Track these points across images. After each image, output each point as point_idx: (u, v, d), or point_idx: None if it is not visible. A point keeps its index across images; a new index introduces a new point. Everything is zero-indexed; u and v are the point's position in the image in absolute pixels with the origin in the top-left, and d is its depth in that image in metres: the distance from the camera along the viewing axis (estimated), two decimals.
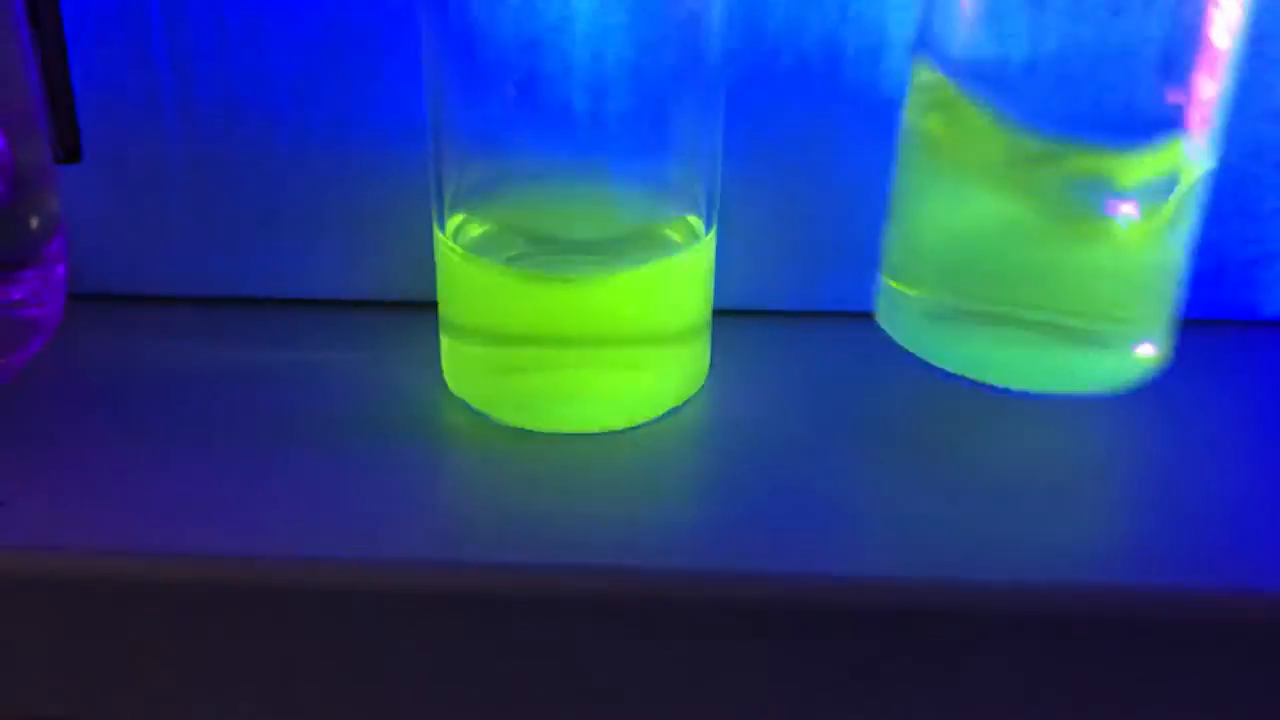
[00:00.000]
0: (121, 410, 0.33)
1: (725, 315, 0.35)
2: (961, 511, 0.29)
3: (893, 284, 0.32)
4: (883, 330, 0.33)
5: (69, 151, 0.34)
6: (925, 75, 0.30)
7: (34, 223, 0.33)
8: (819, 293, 0.36)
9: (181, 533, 0.28)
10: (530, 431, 0.31)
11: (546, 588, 0.28)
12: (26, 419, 0.32)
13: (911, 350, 0.32)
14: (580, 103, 0.30)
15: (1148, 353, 0.31)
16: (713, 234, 0.32)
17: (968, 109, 0.29)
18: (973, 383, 0.31)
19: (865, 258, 0.34)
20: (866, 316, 0.33)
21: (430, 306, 0.33)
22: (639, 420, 0.32)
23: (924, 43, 0.30)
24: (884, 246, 0.33)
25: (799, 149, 0.34)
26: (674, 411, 0.32)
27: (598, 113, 0.30)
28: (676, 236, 0.32)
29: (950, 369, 0.31)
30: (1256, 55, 0.33)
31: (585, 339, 0.31)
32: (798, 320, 0.36)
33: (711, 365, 0.33)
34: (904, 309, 0.32)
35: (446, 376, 0.33)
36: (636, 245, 0.31)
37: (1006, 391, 0.31)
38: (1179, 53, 0.29)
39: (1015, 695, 0.28)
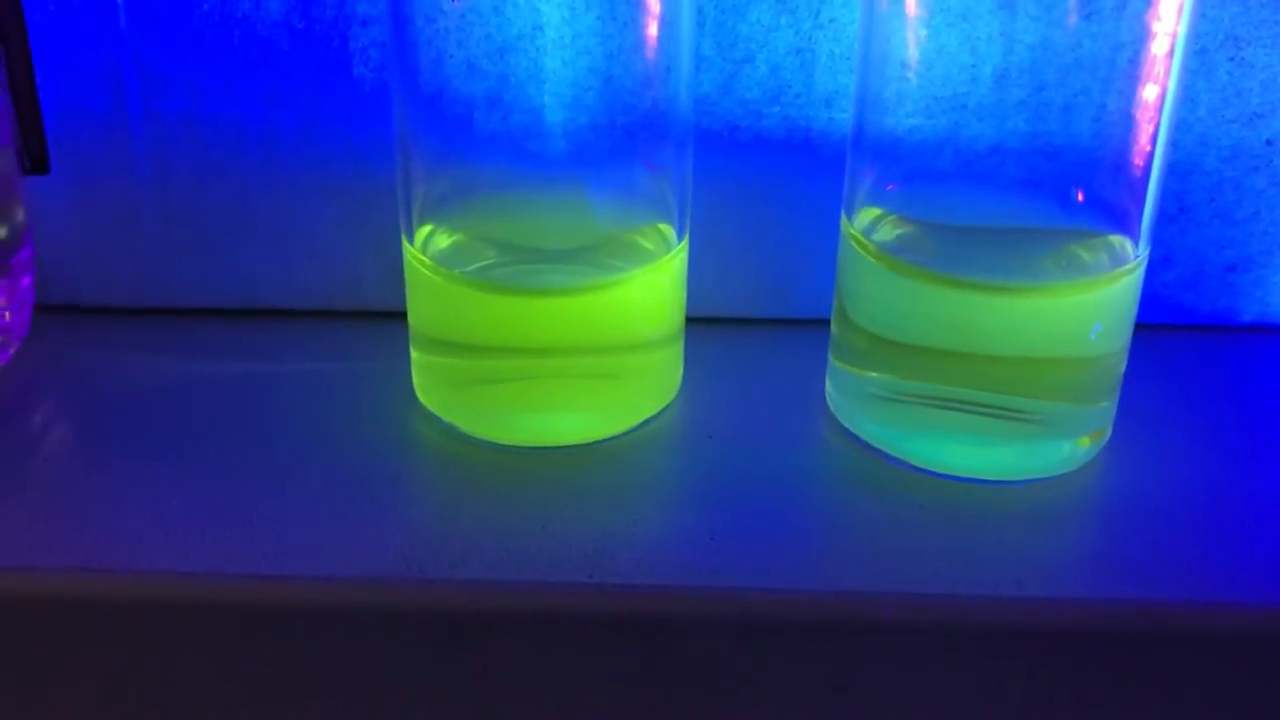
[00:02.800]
0: (88, 423, 0.32)
1: (698, 323, 0.34)
2: (938, 524, 0.29)
3: (838, 364, 0.32)
4: None
5: (36, 163, 0.34)
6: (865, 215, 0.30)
7: (1, 234, 0.32)
8: (792, 301, 0.36)
9: (148, 549, 0.28)
10: (501, 444, 0.31)
11: (519, 604, 0.27)
12: None
13: (856, 433, 0.31)
14: (550, 111, 0.30)
15: (1093, 438, 0.31)
16: (685, 242, 0.32)
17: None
18: None
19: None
20: None
21: (401, 317, 0.33)
22: (612, 431, 0.32)
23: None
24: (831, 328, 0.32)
25: (771, 156, 0.34)
26: (647, 422, 0.32)
27: (568, 121, 0.30)
28: (648, 245, 0.31)
29: (898, 456, 0.31)
30: (1232, 60, 0.33)
31: (556, 350, 0.31)
32: (771, 328, 0.36)
33: (685, 374, 0.33)
34: (848, 390, 0.32)
35: (417, 388, 0.32)
36: (608, 254, 0.31)
37: None
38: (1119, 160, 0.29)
39: (994, 711, 0.28)
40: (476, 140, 0.30)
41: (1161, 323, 0.36)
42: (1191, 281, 0.36)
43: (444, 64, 0.29)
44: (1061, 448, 0.30)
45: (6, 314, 0.33)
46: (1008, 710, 0.28)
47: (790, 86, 0.33)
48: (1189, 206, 0.35)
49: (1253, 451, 0.32)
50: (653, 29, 0.29)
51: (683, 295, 0.32)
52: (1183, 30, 0.27)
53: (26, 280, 0.34)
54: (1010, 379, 0.29)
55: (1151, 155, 0.28)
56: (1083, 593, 0.28)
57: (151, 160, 0.35)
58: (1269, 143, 0.34)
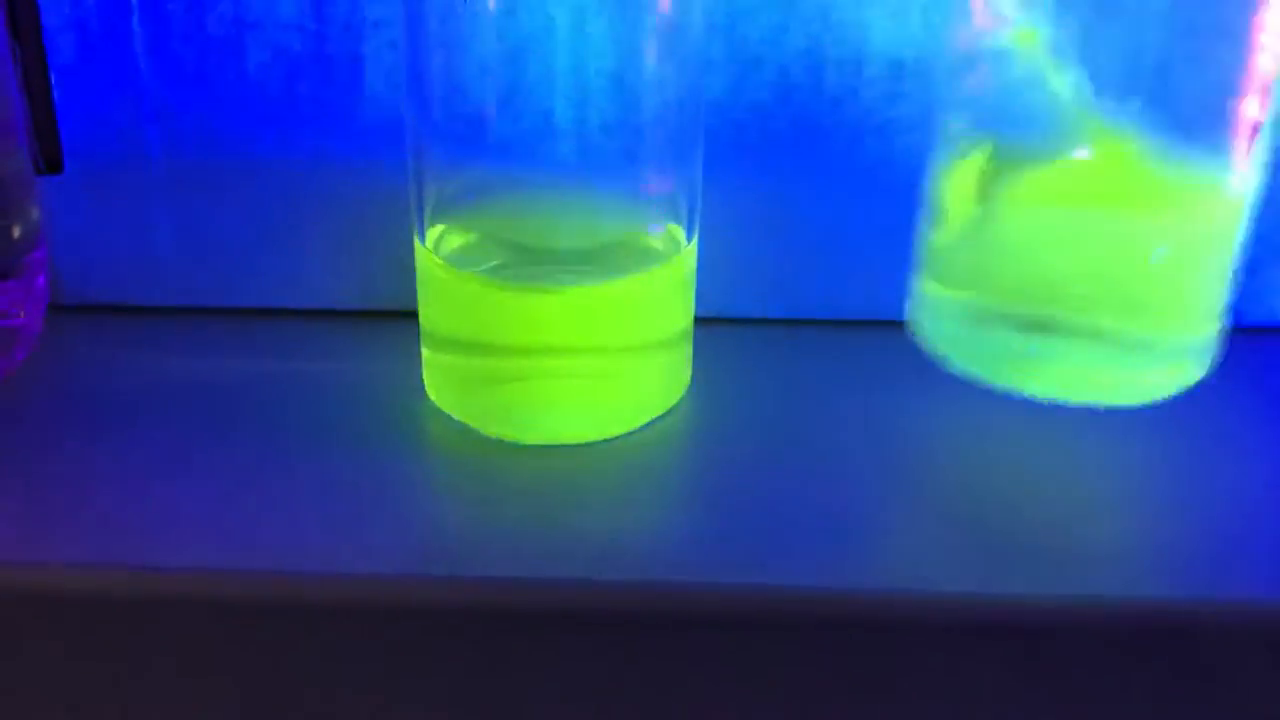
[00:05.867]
0: (102, 422, 0.32)
1: (707, 323, 0.35)
2: (948, 521, 0.29)
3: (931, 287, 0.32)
4: (866, 338, 0.32)
5: (50, 163, 0.34)
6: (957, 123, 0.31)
7: (15, 233, 0.33)
8: (801, 301, 0.36)
9: (162, 546, 0.28)
10: (511, 443, 0.31)
11: (528, 601, 0.28)
12: (7, 431, 0.32)
13: (947, 355, 0.31)
14: (561, 112, 0.30)
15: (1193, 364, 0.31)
16: (694, 243, 0.32)
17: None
18: (962, 390, 0.31)
19: (847, 265, 0.34)
20: (848, 324, 0.33)
21: (413, 316, 0.33)
22: (621, 430, 0.32)
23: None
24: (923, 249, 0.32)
25: (780, 157, 0.34)
26: (656, 421, 0.32)
27: (578, 122, 0.30)
28: (658, 246, 0.32)
29: (989, 379, 0.31)
30: None
31: (566, 349, 0.31)
32: (779, 328, 0.36)
33: (693, 374, 0.33)
34: (943, 313, 0.32)
35: (427, 387, 0.33)
36: (618, 255, 0.31)
37: (1000, 397, 0.31)
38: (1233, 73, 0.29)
39: (1005, 707, 0.28)
40: (488, 141, 0.30)
41: None
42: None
43: (456, 66, 0.29)
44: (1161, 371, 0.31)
45: (21, 313, 0.33)
46: (1013, 706, 0.28)
47: (799, 88, 0.34)
48: None
49: (1255, 453, 0.32)
50: (662, 31, 0.29)
51: (691, 295, 0.32)
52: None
53: (41, 280, 0.34)
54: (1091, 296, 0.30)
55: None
56: (1084, 590, 0.28)
57: (165, 160, 0.35)
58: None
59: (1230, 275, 0.31)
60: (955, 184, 0.31)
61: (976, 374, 0.31)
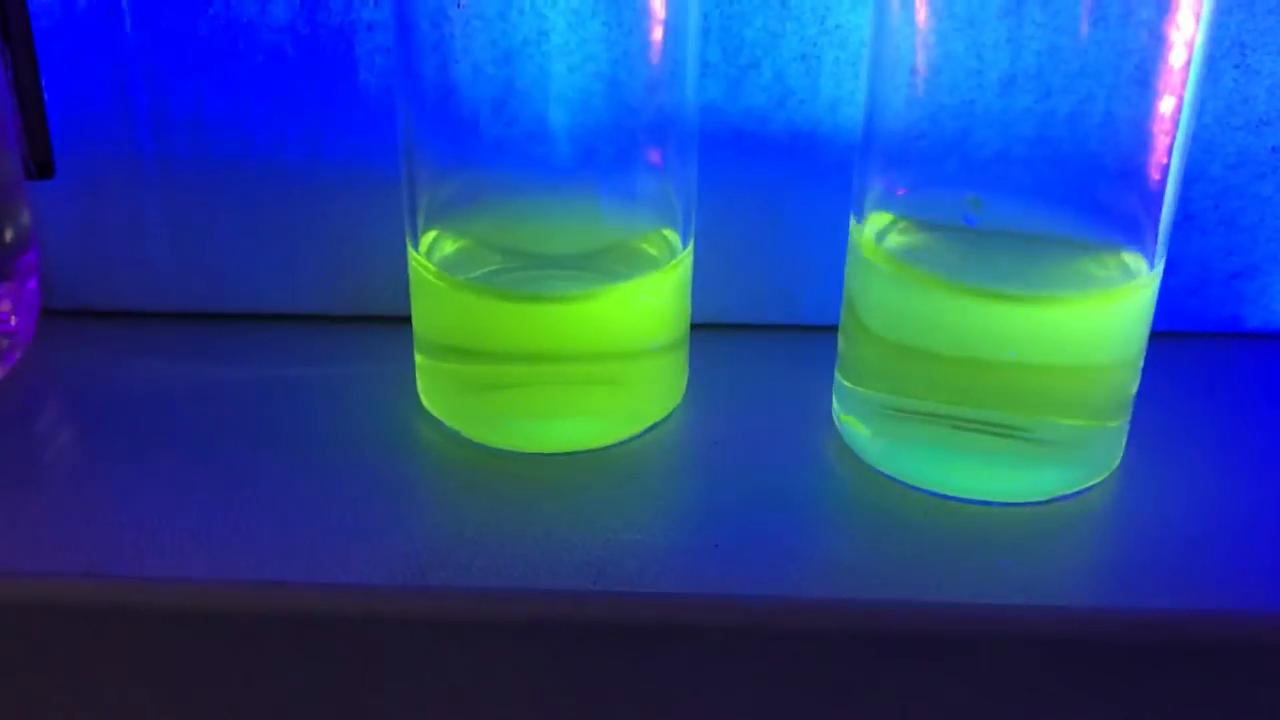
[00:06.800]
0: (94, 427, 0.32)
1: (703, 329, 0.34)
2: (942, 532, 0.29)
3: (845, 382, 0.32)
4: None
5: (41, 167, 0.34)
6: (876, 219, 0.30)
7: (6, 237, 0.33)
8: (797, 307, 0.36)
9: (151, 555, 0.28)
10: (505, 450, 0.31)
11: (522, 610, 0.27)
12: None
13: (862, 456, 0.31)
14: (555, 117, 0.30)
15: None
16: (690, 249, 0.32)
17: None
18: None
19: (843, 271, 0.33)
20: None
21: (407, 322, 0.32)
22: (616, 438, 0.32)
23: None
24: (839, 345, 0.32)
25: (776, 161, 0.34)
26: (652, 428, 0.32)
27: (573, 127, 0.30)
28: (653, 251, 0.31)
29: (899, 477, 0.30)
30: (1238, 66, 0.33)
31: (561, 355, 0.31)
32: (776, 334, 0.36)
33: (689, 381, 0.33)
34: (856, 407, 0.31)
35: (421, 394, 0.32)
36: (613, 260, 0.31)
37: None
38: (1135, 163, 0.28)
39: (994, 718, 0.28)
40: (482, 145, 0.30)
41: (1165, 330, 0.36)
42: (1196, 288, 0.36)
43: (449, 69, 0.29)
44: (1068, 473, 0.30)
45: (12, 318, 0.33)
46: (1012, 718, 0.28)
47: (795, 92, 0.33)
48: (1194, 213, 0.34)
49: (1257, 458, 0.32)
50: (658, 34, 0.29)
51: (688, 301, 0.32)
52: (1200, 39, 0.27)
53: (32, 284, 0.34)
54: (1017, 395, 0.29)
55: (1167, 167, 0.28)
56: (1088, 602, 0.28)
57: (157, 164, 0.35)
58: (1275, 149, 0.34)
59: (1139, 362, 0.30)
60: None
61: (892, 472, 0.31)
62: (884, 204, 0.30)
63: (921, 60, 0.28)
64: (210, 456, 0.31)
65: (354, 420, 0.32)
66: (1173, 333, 0.36)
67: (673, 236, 0.31)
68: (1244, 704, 0.28)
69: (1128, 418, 0.31)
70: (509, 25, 0.29)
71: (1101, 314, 0.29)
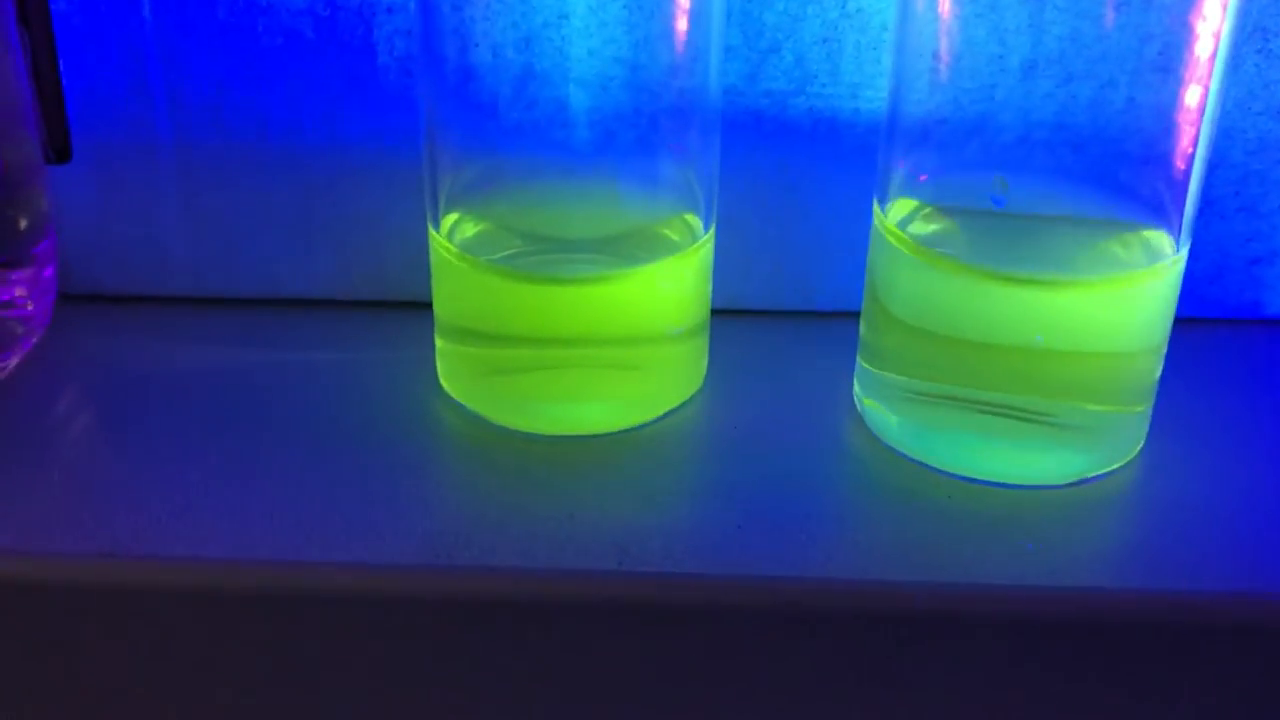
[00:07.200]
0: (112, 412, 0.32)
1: (724, 315, 0.34)
2: (965, 514, 0.29)
3: (868, 367, 0.32)
4: None
5: (59, 152, 0.34)
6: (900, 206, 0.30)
7: (23, 223, 0.32)
8: (818, 293, 0.36)
9: (173, 536, 0.28)
10: (526, 433, 0.31)
11: (542, 592, 0.27)
12: (16, 421, 0.31)
13: (886, 440, 0.31)
14: (576, 100, 0.30)
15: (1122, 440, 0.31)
16: (711, 233, 0.31)
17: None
18: None
19: (864, 257, 0.33)
20: None
21: (426, 307, 0.32)
22: (636, 422, 0.31)
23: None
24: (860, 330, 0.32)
25: (798, 146, 0.34)
26: (672, 413, 0.32)
27: (594, 110, 0.30)
28: (674, 236, 0.31)
29: (923, 460, 0.30)
30: (1260, 51, 0.33)
31: (582, 340, 0.31)
32: (797, 320, 0.36)
33: (710, 366, 0.33)
34: (879, 392, 0.31)
35: (441, 378, 0.32)
36: (633, 244, 0.31)
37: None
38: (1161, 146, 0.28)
39: (1018, 699, 0.28)
40: (503, 129, 0.30)
41: (1185, 316, 0.36)
42: (1216, 275, 0.35)
43: (470, 52, 0.29)
44: (1092, 457, 0.30)
45: (29, 303, 0.33)
46: (1037, 699, 0.28)
47: (816, 76, 0.33)
48: (1214, 199, 0.34)
49: (1277, 442, 0.32)
50: (679, 18, 0.29)
51: (708, 286, 0.32)
52: (1227, 28, 0.27)
53: (49, 270, 0.33)
54: (1042, 380, 0.29)
55: (1192, 154, 0.28)
56: (1110, 584, 0.27)
57: (174, 149, 0.34)
58: None
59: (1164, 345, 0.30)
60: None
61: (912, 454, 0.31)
62: (907, 189, 0.30)
63: (944, 46, 0.28)
64: (229, 441, 0.31)
65: (374, 404, 0.32)
66: (1193, 319, 0.36)
67: (694, 221, 0.31)
68: (1267, 685, 0.28)
69: (1151, 403, 0.31)
70: (530, 8, 0.29)
71: (1127, 298, 0.29)
